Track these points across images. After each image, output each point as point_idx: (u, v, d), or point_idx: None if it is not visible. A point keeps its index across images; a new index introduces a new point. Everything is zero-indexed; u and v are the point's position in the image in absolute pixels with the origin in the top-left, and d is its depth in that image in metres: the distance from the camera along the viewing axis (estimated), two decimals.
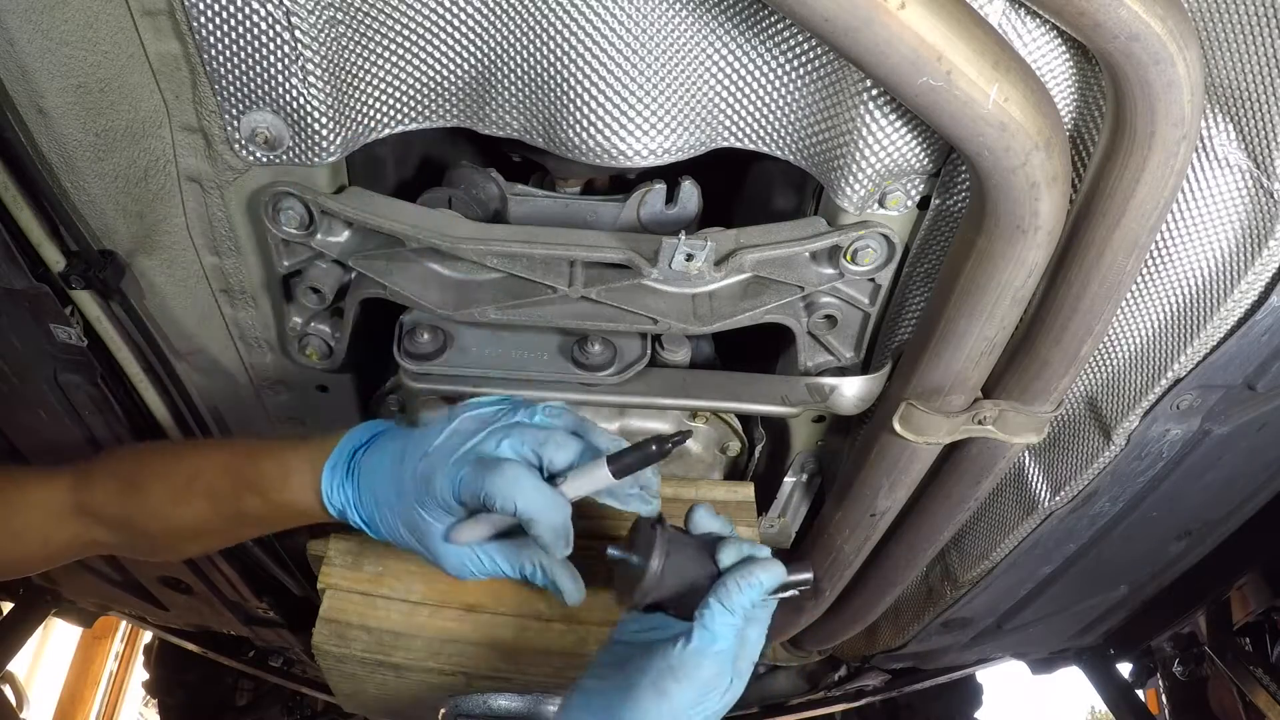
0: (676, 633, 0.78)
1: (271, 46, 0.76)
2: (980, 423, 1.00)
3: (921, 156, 0.85)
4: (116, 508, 0.91)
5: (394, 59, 0.83)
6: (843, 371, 1.11)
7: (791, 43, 0.80)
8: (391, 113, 0.87)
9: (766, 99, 0.85)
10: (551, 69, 0.81)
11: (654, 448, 0.79)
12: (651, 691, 0.73)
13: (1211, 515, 1.34)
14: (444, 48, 0.83)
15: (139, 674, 3.89)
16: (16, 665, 2.22)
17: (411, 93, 0.86)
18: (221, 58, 0.77)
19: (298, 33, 0.75)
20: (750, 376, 1.09)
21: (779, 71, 0.82)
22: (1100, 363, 0.99)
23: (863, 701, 2.41)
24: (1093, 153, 0.76)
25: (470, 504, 0.81)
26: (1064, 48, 0.76)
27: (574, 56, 0.79)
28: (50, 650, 4.29)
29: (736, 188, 1.20)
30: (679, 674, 0.74)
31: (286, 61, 0.77)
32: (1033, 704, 5.80)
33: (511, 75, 0.83)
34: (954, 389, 0.95)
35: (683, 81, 0.82)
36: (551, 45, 0.79)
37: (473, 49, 0.83)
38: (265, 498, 0.87)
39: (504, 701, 0.99)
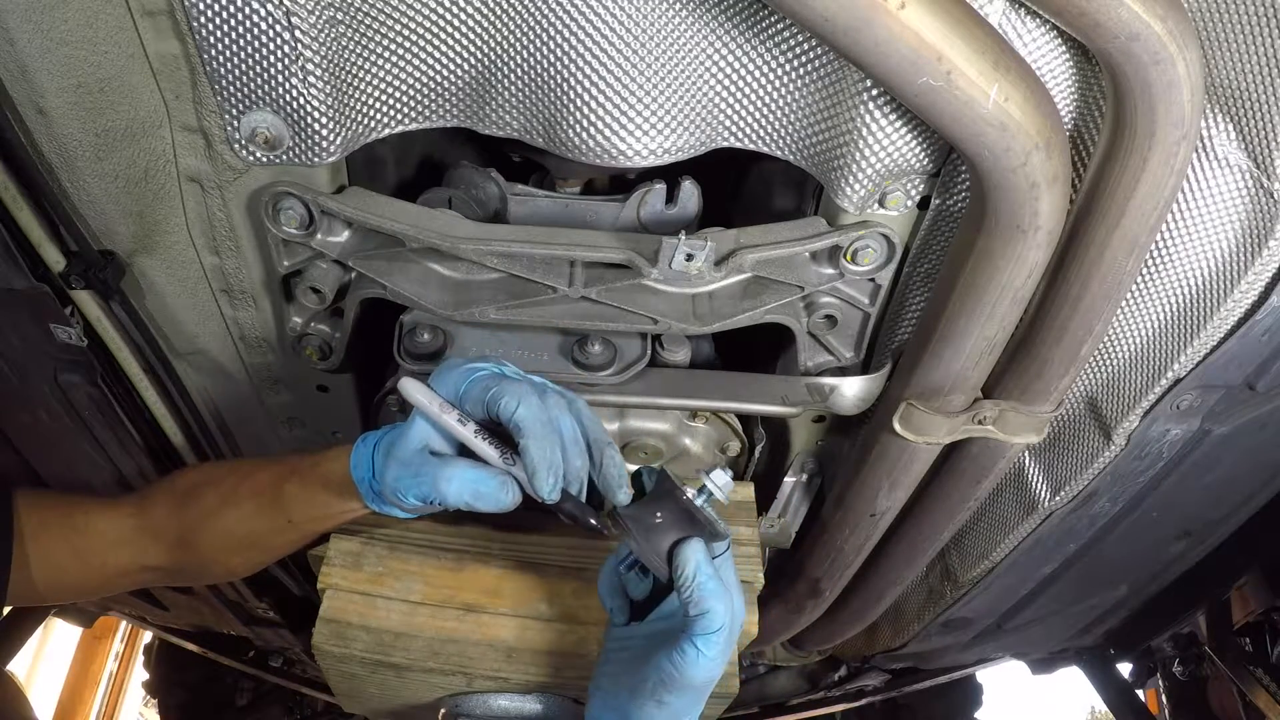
0: (676, 630, 0.79)
1: (271, 46, 0.76)
2: (980, 423, 1.00)
3: (921, 156, 0.85)
4: (172, 523, 0.95)
5: (394, 59, 0.83)
6: (843, 371, 1.11)
7: (791, 43, 0.80)
8: (392, 113, 0.87)
9: (766, 99, 0.85)
10: (551, 69, 0.81)
11: (591, 521, 0.81)
12: (652, 703, 0.79)
13: (1211, 515, 1.34)
14: (444, 48, 0.83)
15: (139, 674, 3.88)
16: (16, 665, 2.22)
17: (412, 93, 0.86)
18: (221, 58, 0.77)
19: (298, 33, 0.75)
20: (750, 376, 1.09)
21: (779, 71, 0.82)
22: (1100, 363, 0.99)
23: (863, 701, 2.41)
24: (1093, 153, 0.76)
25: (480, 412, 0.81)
26: (1064, 48, 0.76)
27: (574, 57, 0.79)
28: (50, 650, 4.29)
29: (736, 188, 1.20)
30: (672, 687, 0.78)
31: (286, 61, 0.77)
32: (1033, 704, 5.79)
33: (511, 75, 0.83)
34: (954, 389, 0.95)
35: (683, 81, 0.82)
36: (552, 45, 0.79)
37: (473, 49, 0.83)
38: (302, 479, 0.89)
39: (504, 701, 0.99)
